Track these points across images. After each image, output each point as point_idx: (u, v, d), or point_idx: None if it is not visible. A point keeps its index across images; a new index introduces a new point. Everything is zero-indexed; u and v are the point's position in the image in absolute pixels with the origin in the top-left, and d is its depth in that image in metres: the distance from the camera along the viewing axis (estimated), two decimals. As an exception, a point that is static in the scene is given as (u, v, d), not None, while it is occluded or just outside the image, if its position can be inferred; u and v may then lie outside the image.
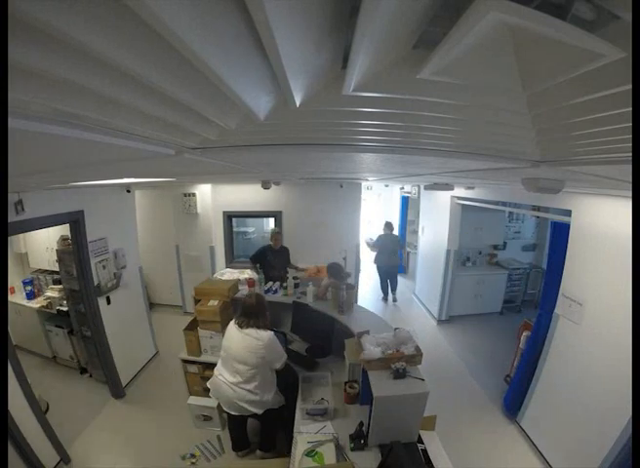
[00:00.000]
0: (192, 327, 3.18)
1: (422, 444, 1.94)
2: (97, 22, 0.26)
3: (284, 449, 2.47)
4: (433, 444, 1.96)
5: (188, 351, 3.18)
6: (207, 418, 3.01)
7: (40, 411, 2.56)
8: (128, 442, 2.95)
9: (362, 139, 0.81)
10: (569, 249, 2.63)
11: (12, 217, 2.25)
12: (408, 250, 7.62)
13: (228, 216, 5.50)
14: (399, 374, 1.90)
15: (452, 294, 5.21)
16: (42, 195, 2.54)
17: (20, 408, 2.34)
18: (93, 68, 0.34)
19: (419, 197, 6.18)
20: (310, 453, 1.89)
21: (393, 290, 6.22)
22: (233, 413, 2.45)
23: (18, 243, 4.24)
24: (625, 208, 2.11)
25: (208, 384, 2.54)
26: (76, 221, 3.00)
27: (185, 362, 3.17)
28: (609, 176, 1.11)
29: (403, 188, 7.38)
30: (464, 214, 4.93)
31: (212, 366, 3.12)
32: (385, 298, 6.27)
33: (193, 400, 3.04)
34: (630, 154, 0.57)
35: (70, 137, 0.53)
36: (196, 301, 3.24)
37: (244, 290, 3.63)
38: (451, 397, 3.52)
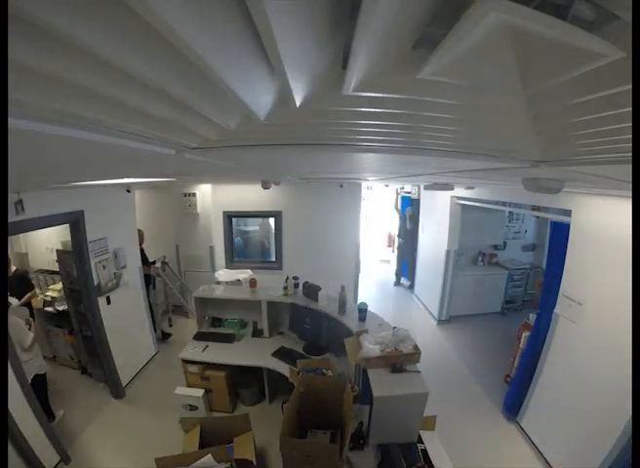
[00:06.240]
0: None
1: (422, 444, 1.94)
2: (97, 21, 0.26)
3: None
4: (433, 444, 1.96)
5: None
6: (193, 408, 3.05)
7: (41, 411, 2.56)
8: (128, 442, 2.95)
9: (362, 140, 0.81)
10: (569, 249, 2.63)
11: (12, 217, 2.25)
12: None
13: (228, 216, 5.50)
14: (396, 369, 1.96)
15: (452, 294, 5.20)
16: (42, 195, 2.53)
17: (20, 408, 2.34)
18: (93, 68, 0.34)
19: (418, 197, 6.18)
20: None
21: None
22: None
23: (18, 243, 4.24)
24: (625, 208, 2.11)
25: None
26: (76, 221, 3.00)
27: (185, 362, 3.18)
28: (609, 176, 1.11)
29: (403, 188, 7.37)
30: (464, 214, 4.93)
31: (212, 366, 3.14)
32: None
33: (180, 390, 3.09)
34: (630, 154, 0.57)
35: (70, 137, 0.53)
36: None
37: (245, 289, 3.64)
38: (451, 397, 3.52)
